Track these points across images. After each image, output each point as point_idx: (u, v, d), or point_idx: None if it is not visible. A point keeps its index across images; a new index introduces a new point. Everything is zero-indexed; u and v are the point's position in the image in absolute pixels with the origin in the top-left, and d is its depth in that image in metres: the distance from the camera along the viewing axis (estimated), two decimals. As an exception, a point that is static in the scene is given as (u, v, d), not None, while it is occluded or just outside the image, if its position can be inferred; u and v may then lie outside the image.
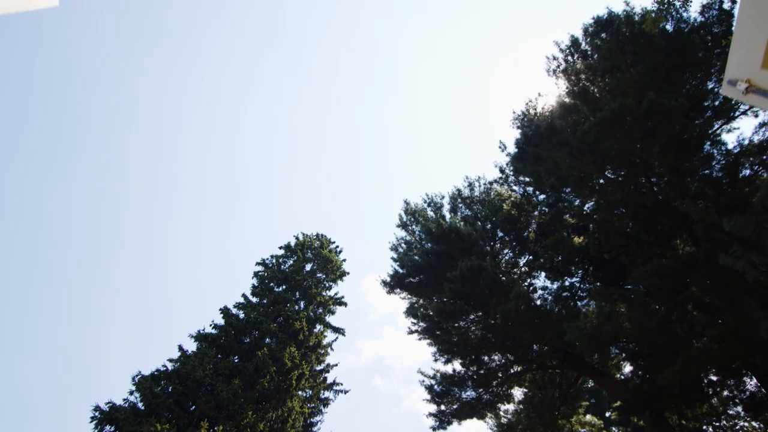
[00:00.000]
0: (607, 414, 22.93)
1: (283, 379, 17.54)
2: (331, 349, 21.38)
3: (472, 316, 14.85)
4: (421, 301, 16.93)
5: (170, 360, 17.38)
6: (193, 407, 15.76)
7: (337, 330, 21.26)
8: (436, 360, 15.15)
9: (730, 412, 13.87)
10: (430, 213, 18.17)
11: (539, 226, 16.54)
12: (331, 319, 21.33)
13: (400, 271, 16.32)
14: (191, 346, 18.02)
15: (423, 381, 15.32)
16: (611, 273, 15.61)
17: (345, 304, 21.56)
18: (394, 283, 16.32)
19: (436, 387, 15.14)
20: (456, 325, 15.00)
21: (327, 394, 21.10)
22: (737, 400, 13.60)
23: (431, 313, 14.47)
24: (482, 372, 15.52)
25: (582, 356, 14.11)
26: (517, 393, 16.35)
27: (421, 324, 16.03)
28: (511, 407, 16.87)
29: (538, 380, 16.24)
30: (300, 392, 18.95)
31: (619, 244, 13.49)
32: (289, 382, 17.60)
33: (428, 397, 15.04)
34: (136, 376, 15.96)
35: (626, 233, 13.51)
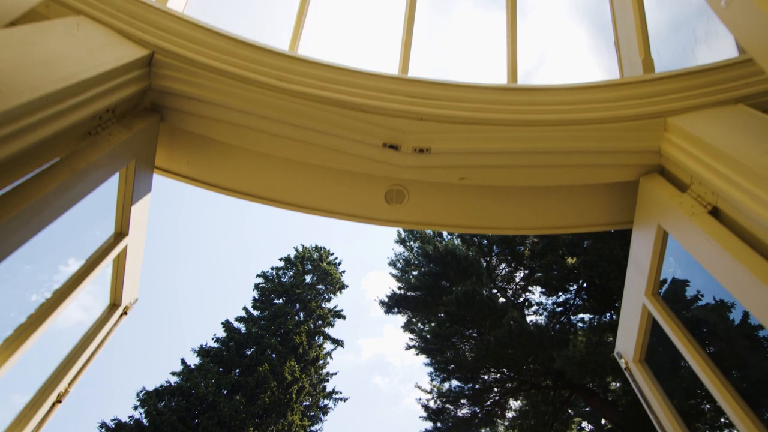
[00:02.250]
0: None
1: (283, 394, 18.28)
2: (330, 357, 22.10)
3: (467, 338, 15.49)
4: (418, 318, 17.55)
5: (173, 373, 18.16)
6: (197, 421, 16.54)
7: (336, 342, 21.93)
8: (432, 380, 15.81)
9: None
10: (428, 230, 18.71)
11: (533, 247, 17.07)
12: (330, 331, 22.00)
13: (398, 292, 16.94)
14: (194, 359, 18.72)
15: (419, 399, 16.01)
16: (604, 292, 16.19)
17: (344, 317, 22.20)
18: (392, 304, 16.94)
19: (431, 405, 15.83)
20: (451, 342, 15.65)
21: (326, 402, 21.84)
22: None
23: (428, 337, 15.11)
24: (478, 388, 16.21)
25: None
26: (511, 411, 17.03)
27: (419, 341, 16.69)
28: (505, 424, 17.58)
29: (532, 397, 16.90)
30: (300, 403, 19.69)
31: (609, 270, 14.06)
32: (289, 396, 18.34)
33: (424, 414, 15.72)
34: (141, 392, 16.76)
35: (615, 259, 14.05)
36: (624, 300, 2.26)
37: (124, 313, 2.20)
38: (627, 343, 2.18)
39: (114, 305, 2.13)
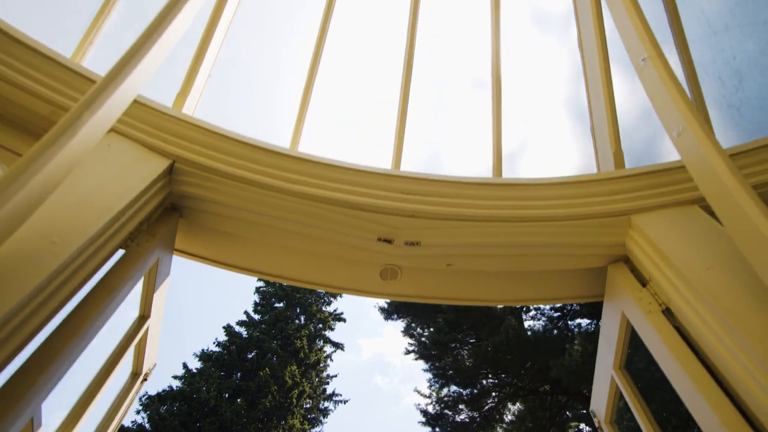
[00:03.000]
0: None
1: (284, 398, 18.60)
2: (331, 360, 22.42)
3: (465, 344, 15.79)
4: (417, 324, 17.84)
5: (175, 377, 18.51)
6: (199, 425, 16.89)
7: (337, 345, 22.25)
8: (431, 386, 16.12)
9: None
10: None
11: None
12: (330, 334, 22.32)
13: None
14: (195, 364, 19.05)
15: (418, 404, 16.32)
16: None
17: (344, 320, 22.51)
18: (391, 310, 17.23)
19: (430, 410, 16.14)
20: (450, 349, 15.95)
21: (327, 404, 22.17)
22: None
23: (427, 343, 15.40)
24: (476, 393, 16.52)
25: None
26: (509, 415, 17.34)
27: (418, 347, 16.99)
28: (504, 425, 17.91)
29: (530, 402, 17.21)
30: (301, 407, 20.02)
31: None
32: (290, 401, 18.67)
33: (423, 419, 16.04)
34: (143, 396, 17.12)
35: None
36: (597, 366, 2.52)
37: (145, 378, 2.46)
38: (599, 405, 2.44)
39: (136, 374, 2.39)
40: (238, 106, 2.54)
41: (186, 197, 2.13)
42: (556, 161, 2.65)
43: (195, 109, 2.37)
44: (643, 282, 2.08)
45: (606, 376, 2.40)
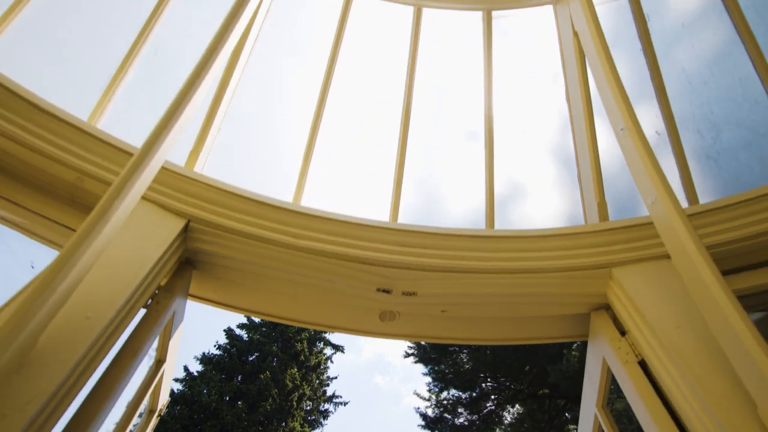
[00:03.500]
0: None
1: (284, 401, 18.84)
2: (331, 361, 22.66)
3: (464, 348, 16.01)
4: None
5: (176, 380, 18.75)
6: (200, 428, 17.14)
7: (337, 347, 22.48)
8: (430, 390, 16.35)
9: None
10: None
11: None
12: (330, 336, 22.54)
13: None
14: (196, 367, 19.28)
15: (418, 408, 16.55)
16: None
17: (344, 323, 22.67)
18: (390, 314, 17.41)
19: (429, 413, 16.37)
20: (449, 353, 16.18)
21: (327, 406, 22.42)
22: None
23: (426, 347, 15.61)
24: (475, 396, 16.76)
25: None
26: (507, 419, 17.57)
27: (417, 350, 17.21)
28: (502, 427, 18.14)
29: (528, 405, 17.44)
30: (301, 409, 20.26)
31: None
32: (290, 403, 18.91)
33: (422, 423, 16.27)
34: (145, 399, 17.35)
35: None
36: (582, 402, 2.71)
37: (159, 414, 2.65)
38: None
39: (152, 411, 2.58)
40: (244, 158, 2.73)
41: (199, 252, 2.31)
42: (546, 206, 2.83)
43: (205, 164, 2.55)
44: (623, 331, 2.27)
45: (590, 413, 2.59)
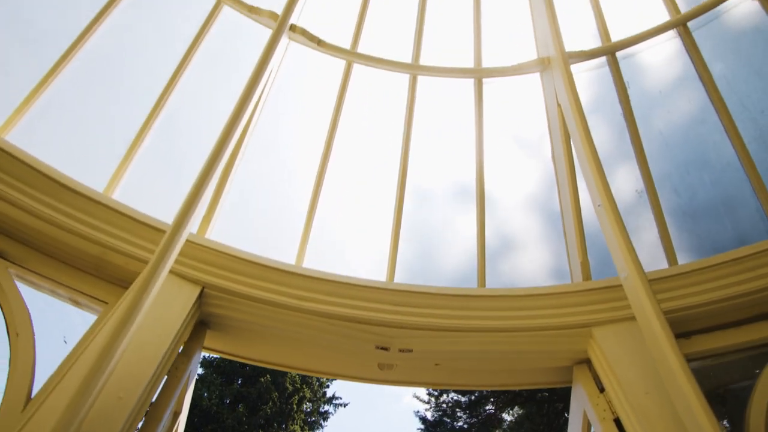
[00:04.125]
0: None
1: (285, 403, 19.14)
2: (331, 363, 22.91)
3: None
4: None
5: (177, 383, 19.02)
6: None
7: (336, 350, 22.70)
8: (429, 393, 16.64)
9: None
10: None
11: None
12: (330, 339, 22.77)
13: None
14: (197, 370, 19.52)
15: (418, 411, 16.86)
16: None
17: (344, 326, 22.92)
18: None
19: (429, 417, 16.68)
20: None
21: (327, 407, 22.72)
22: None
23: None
24: (474, 399, 17.06)
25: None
26: (507, 420, 17.88)
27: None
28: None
29: (527, 408, 17.74)
30: (301, 411, 20.55)
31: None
32: (290, 406, 19.20)
33: (422, 426, 16.58)
34: (147, 404, 17.63)
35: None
36: None
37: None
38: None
39: (168, 454, 2.81)
40: (250, 221, 2.94)
41: (212, 315, 2.54)
42: (534, 260, 3.06)
43: (214, 228, 2.77)
44: (601, 387, 2.50)
45: (574, 457, 2.83)
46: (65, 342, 2.17)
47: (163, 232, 2.27)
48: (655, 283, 2.38)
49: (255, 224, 2.96)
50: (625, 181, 3.04)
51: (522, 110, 3.24)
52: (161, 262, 1.96)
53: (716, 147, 2.91)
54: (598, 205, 2.39)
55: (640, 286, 2.12)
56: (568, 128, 2.75)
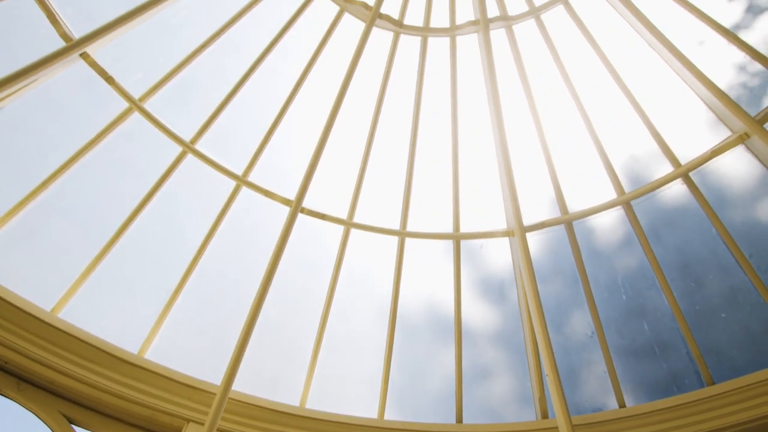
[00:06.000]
0: None
1: None
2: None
3: None
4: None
5: None
6: None
7: None
8: None
9: None
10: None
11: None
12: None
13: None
14: None
15: None
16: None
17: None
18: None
19: None
20: None
21: None
22: None
23: None
24: None
25: None
26: None
27: None
28: None
29: None
30: None
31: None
32: None
33: None
34: None
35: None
36: None
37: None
38: None
39: None
40: (258, 367, 3.65)
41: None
42: (504, 388, 3.68)
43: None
44: None
45: None
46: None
47: (199, 390, 3.06)
48: (596, 426, 3.01)
49: (262, 371, 3.66)
50: (581, 325, 3.71)
51: (494, 263, 4.01)
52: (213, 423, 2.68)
53: (653, 300, 3.59)
54: (546, 375, 3.06)
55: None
56: (526, 293, 3.47)
